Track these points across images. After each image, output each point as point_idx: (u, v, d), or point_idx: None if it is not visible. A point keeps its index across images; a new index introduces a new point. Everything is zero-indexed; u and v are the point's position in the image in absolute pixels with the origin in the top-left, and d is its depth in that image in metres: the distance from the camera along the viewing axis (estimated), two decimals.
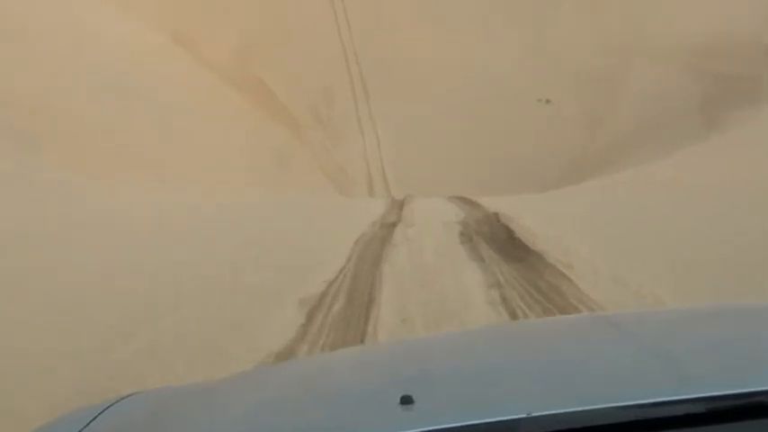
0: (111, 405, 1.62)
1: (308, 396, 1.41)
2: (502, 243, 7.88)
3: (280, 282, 6.84)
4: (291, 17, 22.59)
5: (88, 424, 1.51)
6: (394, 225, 9.57)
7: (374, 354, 1.93)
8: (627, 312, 3.05)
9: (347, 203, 13.60)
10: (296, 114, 21.37)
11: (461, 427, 1.01)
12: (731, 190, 8.99)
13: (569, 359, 1.35)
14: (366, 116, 20.89)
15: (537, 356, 1.42)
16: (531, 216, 8.80)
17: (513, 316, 5.64)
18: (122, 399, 1.68)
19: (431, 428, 1.02)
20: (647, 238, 7.42)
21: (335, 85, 21.48)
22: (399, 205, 11.75)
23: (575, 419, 0.99)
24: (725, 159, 11.76)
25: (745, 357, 1.21)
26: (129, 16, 19.99)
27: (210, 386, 1.70)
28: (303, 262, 7.51)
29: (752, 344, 1.30)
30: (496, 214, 9.14)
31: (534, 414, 1.00)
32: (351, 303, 6.32)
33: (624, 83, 18.58)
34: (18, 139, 12.60)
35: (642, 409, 1.00)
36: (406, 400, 1.11)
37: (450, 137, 19.48)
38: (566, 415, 1.00)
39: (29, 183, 10.52)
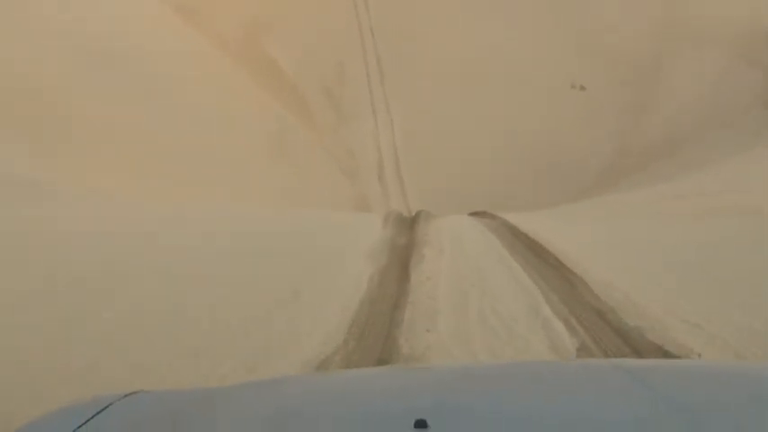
0: (117, 401, 1.61)
1: (320, 414, 1.39)
2: None
3: None
4: None
5: (92, 417, 1.52)
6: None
7: (390, 377, 1.85)
8: (650, 362, 2.59)
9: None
10: (305, 93, 19.69)
11: None
12: None
13: (584, 412, 1.30)
14: (380, 97, 19.09)
15: (553, 403, 1.37)
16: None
17: None
18: (127, 396, 1.66)
19: None
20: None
21: (348, 63, 19.74)
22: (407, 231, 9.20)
23: None
24: None
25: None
26: None
27: (219, 394, 1.65)
28: None
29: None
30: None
31: None
32: None
33: (672, 70, 16.62)
34: None
35: None
36: (421, 425, 1.13)
37: (472, 123, 17.59)
38: None
39: None
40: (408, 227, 9.40)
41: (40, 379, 3.81)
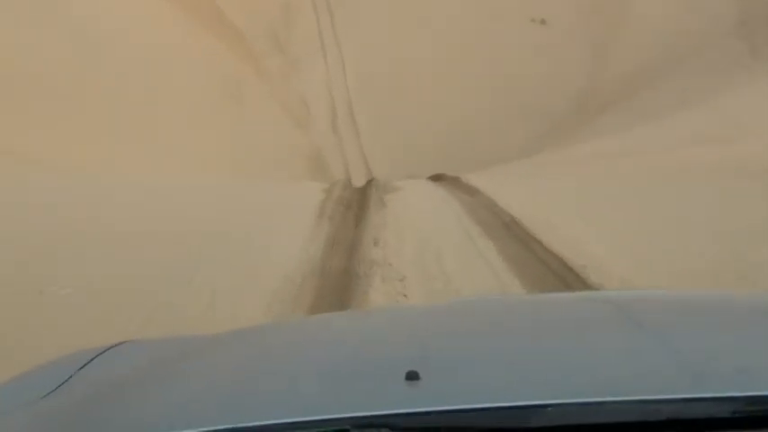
0: (104, 351, 1.61)
1: (306, 363, 1.34)
2: None
3: None
4: None
5: (80, 369, 1.52)
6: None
7: (377, 321, 1.79)
8: (634, 294, 2.32)
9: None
10: (250, 38, 18.40)
11: (471, 409, 0.98)
12: None
13: (581, 345, 1.28)
14: (330, 39, 17.91)
15: (547, 339, 1.34)
16: None
17: None
18: (115, 345, 1.67)
19: (439, 409, 0.99)
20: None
21: (296, 5, 18.41)
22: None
23: (591, 413, 0.95)
24: None
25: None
26: None
27: (206, 342, 1.64)
28: None
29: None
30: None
31: (549, 402, 0.96)
32: None
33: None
34: None
35: (659, 405, 0.96)
36: (412, 376, 1.06)
37: (430, 63, 16.57)
38: (582, 407, 0.96)
39: None
40: (355, 216, 7.48)
41: None
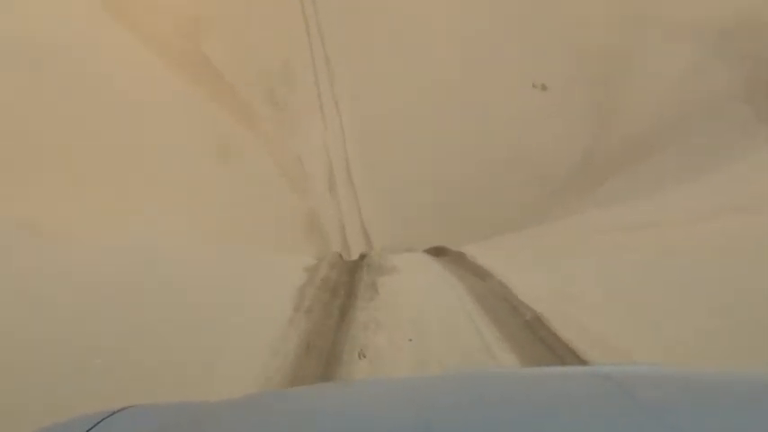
0: (109, 416, 1.54)
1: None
2: None
3: None
4: None
5: None
6: None
7: (376, 392, 1.74)
8: (632, 369, 1.94)
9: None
10: (247, 98, 17.94)
11: None
12: None
13: (574, 423, 1.24)
14: (329, 100, 17.46)
15: (540, 416, 1.30)
16: None
17: None
18: (120, 411, 1.59)
19: None
20: None
21: (294, 61, 18.02)
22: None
23: None
24: None
25: None
26: None
27: (214, 408, 1.59)
28: None
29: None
30: None
31: None
32: None
33: (642, 64, 15.32)
34: None
35: None
36: None
37: (431, 130, 16.09)
38: None
39: None
40: (341, 309, 6.18)
41: None
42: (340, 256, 9.17)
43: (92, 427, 1.48)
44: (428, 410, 1.33)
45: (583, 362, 4.54)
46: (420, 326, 5.11)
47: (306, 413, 1.44)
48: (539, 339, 4.98)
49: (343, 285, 6.49)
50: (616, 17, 16.10)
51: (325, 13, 19.05)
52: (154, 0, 19.24)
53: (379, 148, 15.64)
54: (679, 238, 7.30)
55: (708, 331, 4.45)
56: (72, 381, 4.42)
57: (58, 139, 13.26)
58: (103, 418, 1.53)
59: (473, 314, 5.61)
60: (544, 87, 16.82)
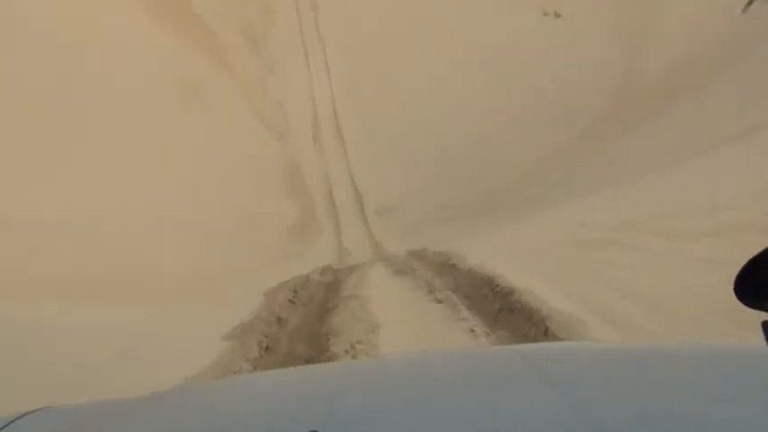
0: (16, 419, 1.52)
1: (217, 424, 1.34)
2: None
3: None
4: None
5: None
6: None
7: (285, 381, 1.76)
8: (546, 347, 2.23)
9: None
10: (223, 36, 16.18)
11: None
12: None
13: (485, 400, 1.27)
14: (313, 38, 15.68)
15: (451, 396, 1.33)
16: None
17: None
18: (30, 413, 1.58)
19: None
20: None
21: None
22: None
23: None
24: None
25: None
26: None
27: (125, 406, 1.60)
28: None
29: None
30: None
31: None
32: None
33: None
34: None
35: None
36: None
37: (429, 64, 14.32)
38: None
39: None
40: None
41: None
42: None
43: (1, 429, 1.39)
44: (332, 396, 1.33)
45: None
46: None
47: (208, 407, 1.44)
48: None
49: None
50: None
51: None
52: None
53: (373, 95, 13.90)
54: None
55: None
56: None
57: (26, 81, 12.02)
58: (12, 421, 1.45)
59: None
60: (557, 15, 15.32)
